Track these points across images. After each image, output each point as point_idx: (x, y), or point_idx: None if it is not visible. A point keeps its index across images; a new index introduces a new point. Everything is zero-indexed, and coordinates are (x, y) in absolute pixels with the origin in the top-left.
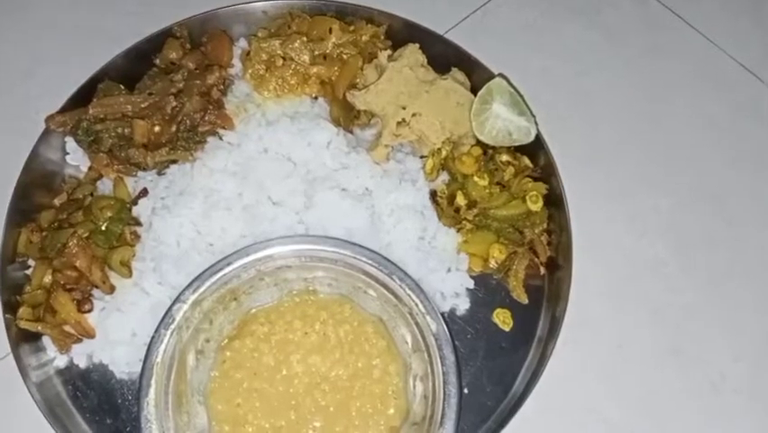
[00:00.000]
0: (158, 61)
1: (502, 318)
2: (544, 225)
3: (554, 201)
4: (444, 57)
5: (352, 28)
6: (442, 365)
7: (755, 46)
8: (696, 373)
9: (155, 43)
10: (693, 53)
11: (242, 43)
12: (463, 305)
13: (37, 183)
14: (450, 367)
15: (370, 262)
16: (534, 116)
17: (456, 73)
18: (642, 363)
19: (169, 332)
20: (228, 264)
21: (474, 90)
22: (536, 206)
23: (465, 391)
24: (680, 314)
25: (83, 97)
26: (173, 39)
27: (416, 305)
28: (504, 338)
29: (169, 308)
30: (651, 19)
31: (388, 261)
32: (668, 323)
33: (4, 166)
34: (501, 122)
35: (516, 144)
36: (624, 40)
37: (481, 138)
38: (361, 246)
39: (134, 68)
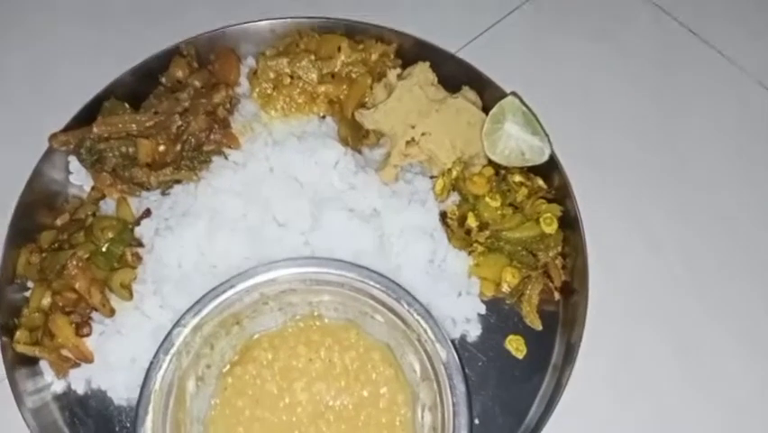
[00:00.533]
0: (164, 80)
1: (515, 345)
2: (559, 249)
3: (569, 223)
4: (455, 76)
5: (361, 47)
6: (452, 395)
7: None
8: (718, 402)
9: (162, 62)
10: (708, 70)
11: (250, 62)
12: (474, 331)
13: (39, 203)
14: (460, 397)
15: (377, 286)
16: (547, 136)
17: (467, 92)
18: (662, 392)
19: (168, 357)
20: (231, 287)
21: (486, 109)
22: (551, 228)
23: (476, 421)
24: (700, 338)
25: (88, 116)
26: (180, 57)
27: (425, 331)
28: (517, 366)
29: (169, 333)
30: (665, 36)
31: (397, 285)
32: (688, 348)
33: (6, 185)
34: (514, 141)
35: (529, 165)
36: (637, 57)
37: (493, 158)
38: (368, 269)
39: (140, 86)
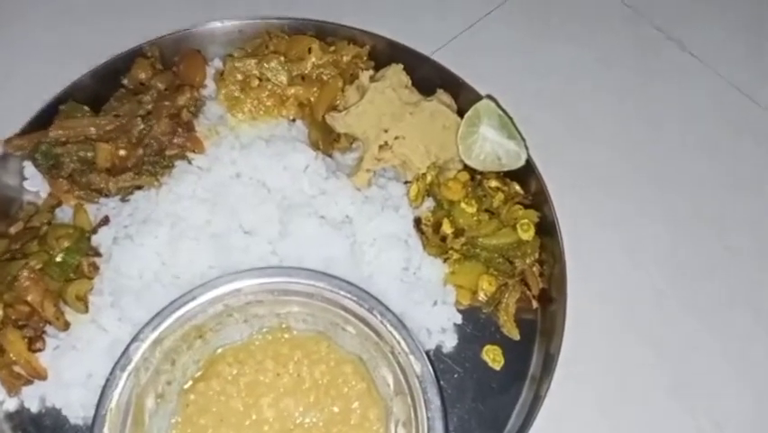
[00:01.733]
0: (126, 82)
1: (492, 356)
2: (536, 256)
3: (546, 230)
4: (430, 78)
5: (332, 48)
6: (426, 410)
7: (750, 69)
8: (698, 410)
9: (124, 63)
10: (688, 76)
11: (217, 64)
12: (450, 341)
13: None
14: (435, 412)
15: (348, 295)
16: (524, 140)
17: (442, 95)
18: (642, 402)
19: (125, 374)
20: (193, 299)
21: (461, 113)
22: (528, 234)
23: None
24: (680, 347)
25: (45, 120)
26: (143, 58)
27: (399, 343)
28: (494, 377)
29: (126, 348)
30: (644, 42)
31: (369, 294)
32: (668, 357)
33: None
34: (489, 145)
35: (506, 169)
36: (617, 62)
37: (469, 162)
38: (338, 279)
39: (101, 88)
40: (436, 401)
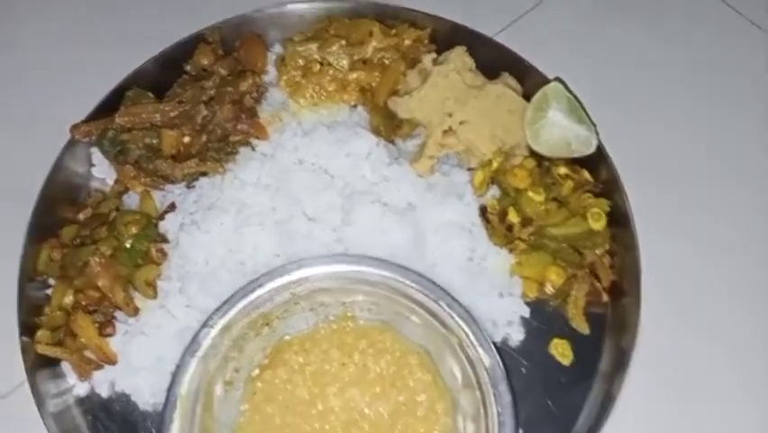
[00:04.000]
0: (188, 68)
1: (560, 350)
2: (606, 246)
3: (617, 219)
4: (493, 61)
5: (393, 32)
6: (496, 405)
7: None
8: None
9: (186, 49)
10: (761, 60)
11: (277, 49)
12: (517, 335)
13: (60, 197)
14: (506, 408)
15: (415, 285)
16: (594, 125)
17: (507, 78)
18: (718, 402)
19: (195, 360)
20: (260, 286)
21: (526, 97)
22: (599, 224)
23: (521, 432)
24: (757, 344)
25: (110, 106)
26: (205, 44)
27: (467, 336)
28: (563, 373)
29: (196, 334)
30: (715, 22)
31: (436, 285)
32: (745, 355)
33: (27, 178)
34: (559, 130)
35: (575, 156)
36: (685, 45)
37: (536, 148)
38: (405, 268)
39: (164, 75)
40: (507, 397)
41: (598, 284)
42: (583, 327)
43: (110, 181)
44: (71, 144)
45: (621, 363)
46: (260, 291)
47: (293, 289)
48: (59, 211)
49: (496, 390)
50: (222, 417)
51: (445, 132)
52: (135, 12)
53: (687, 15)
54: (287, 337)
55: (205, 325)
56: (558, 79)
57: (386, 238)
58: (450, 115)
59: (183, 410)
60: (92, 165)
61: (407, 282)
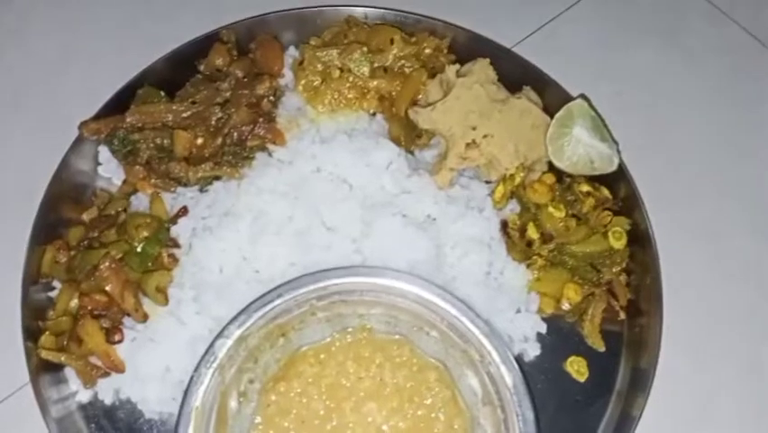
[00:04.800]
0: (202, 68)
1: (576, 367)
2: (624, 265)
3: (635, 238)
4: (513, 74)
5: (413, 39)
6: (519, 423)
7: None
8: None
9: (199, 48)
10: None
11: (292, 52)
12: (533, 351)
13: (66, 196)
14: (530, 427)
15: (436, 300)
16: (616, 143)
17: (529, 92)
18: (735, 423)
19: (210, 372)
20: (278, 296)
21: (545, 111)
22: (620, 243)
23: None
24: None
25: (119, 104)
26: (220, 44)
27: (489, 353)
28: (579, 390)
29: (211, 345)
30: (730, 42)
31: (458, 299)
32: (763, 377)
33: (31, 175)
34: (583, 148)
35: (597, 173)
36: (703, 63)
37: (559, 165)
38: (426, 281)
39: (176, 74)
40: (530, 415)
41: (614, 302)
42: (599, 345)
43: (117, 181)
44: (78, 142)
45: (639, 382)
46: (277, 302)
47: (311, 299)
48: (63, 211)
49: (519, 408)
50: (235, 429)
51: (468, 145)
52: (148, 9)
53: (709, 36)
54: (302, 349)
55: (220, 335)
56: (583, 96)
57: (405, 251)
58: (474, 128)
59: (197, 424)
60: (98, 164)
61: (428, 296)
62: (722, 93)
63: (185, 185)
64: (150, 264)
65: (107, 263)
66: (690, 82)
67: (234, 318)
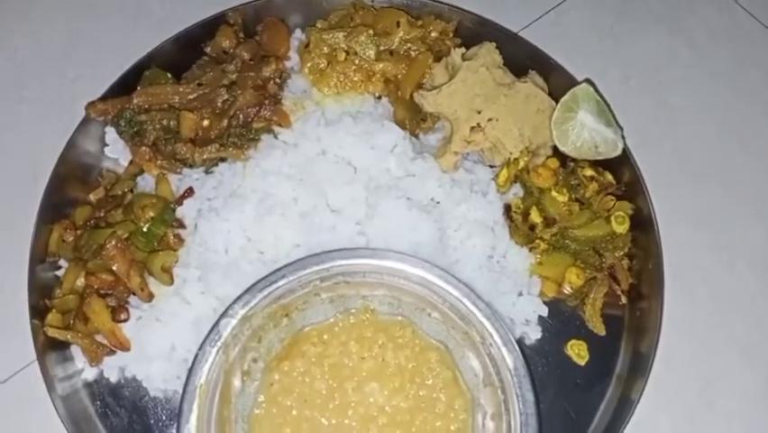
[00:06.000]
0: (208, 50)
1: (577, 351)
2: (626, 249)
3: (638, 223)
4: (517, 58)
5: (420, 23)
6: (519, 404)
7: None
8: None
9: (206, 30)
10: None
11: (298, 34)
12: (534, 334)
13: (72, 176)
14: (529, 407)
15: (438, 281)
16: (621, 128)
17: (535, 76)
18: (733, 410)
19: (215, 350)
20: (282, 277)
21: (551, 96)
22: (622, 227)
23: None
24: None
25: (126, 85)
26: (227, 26)
27: (491, 334)
28: (579, 373)
29: (216, 324)
30: (737, 28)
31: (460, 281)
32: (762, 364)
33: (39, 156)
34: (587, 132)
35: (601, 158)
36: (709, 50)
37: (563, 149)
38: (429, 263)
39: (183, 55)
40: (530, 397)
41: (616, 286)
42: (600, 329)
43: (123, 162)
44: (85, 122)
45: (639, 366)
46: (282, 282)
47: (315, 280)
48: (70, 191)
49: (519, 390)
50: (239, 407)
51: (473, 128)
52: None
53: (715, 22)
54: (306, 329)
55: (225, 314)
56: (588, 81)
57: (409, 233)
58: (479, 112)
59: (202, 401)
60: (105, 145)
61: (431, 278)
62: (728, 79)
63: (191, 166)
64: (155, 244)
65: (113, 243)
66: (697, 68)
67: (239, 298)
